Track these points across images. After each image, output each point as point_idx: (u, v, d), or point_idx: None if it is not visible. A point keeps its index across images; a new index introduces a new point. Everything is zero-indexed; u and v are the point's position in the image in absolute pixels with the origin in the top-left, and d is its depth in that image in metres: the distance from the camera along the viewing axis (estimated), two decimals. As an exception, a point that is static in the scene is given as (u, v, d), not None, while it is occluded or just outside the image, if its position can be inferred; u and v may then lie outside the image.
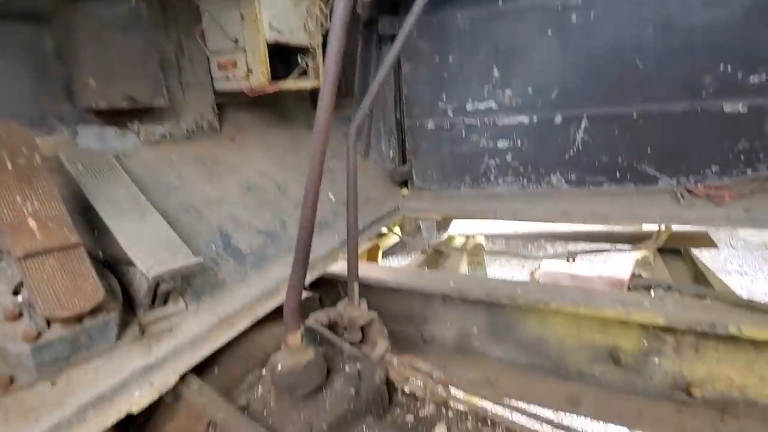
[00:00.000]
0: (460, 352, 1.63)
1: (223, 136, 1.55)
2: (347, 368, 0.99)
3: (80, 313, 0.70)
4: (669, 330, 1.25)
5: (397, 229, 2.38)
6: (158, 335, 0.86)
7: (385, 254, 2.37)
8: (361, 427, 0.91)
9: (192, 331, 0.88)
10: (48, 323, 0.70)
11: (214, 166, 1.37)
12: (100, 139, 1.20)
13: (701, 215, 1.32)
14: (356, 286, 1.13)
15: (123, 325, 0.84)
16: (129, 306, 0.88)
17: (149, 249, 0.88)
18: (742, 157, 1.50)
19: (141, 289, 0.85)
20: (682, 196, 1.41)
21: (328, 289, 1.63)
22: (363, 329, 1.17)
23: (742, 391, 1.22)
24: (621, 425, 1.30)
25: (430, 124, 1.91)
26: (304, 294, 1.67)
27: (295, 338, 0.87)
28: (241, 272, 1.11)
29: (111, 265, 0.91)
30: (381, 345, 1.15)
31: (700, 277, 1.64)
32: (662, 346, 1.28)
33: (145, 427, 1.00)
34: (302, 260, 0.83)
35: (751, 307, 1.11)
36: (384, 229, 2.36)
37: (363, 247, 2.16)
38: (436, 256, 2.13)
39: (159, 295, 0.87)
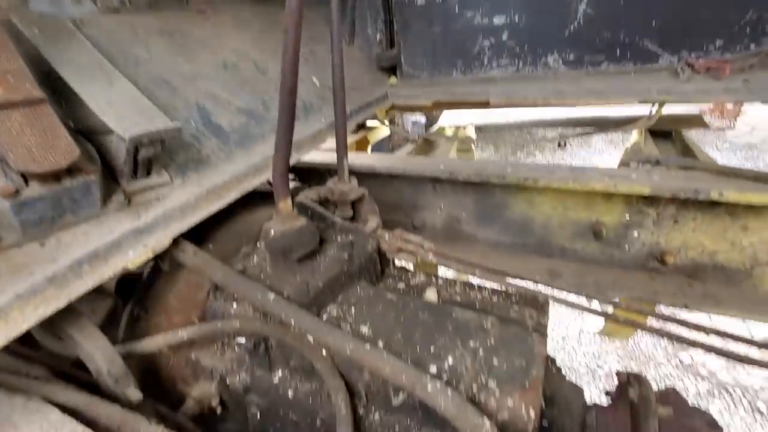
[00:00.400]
0: (450, 237, 1.69)
1: (191, 8, 1.39)
2: (339, 239, 1.01)
3: (56, 170, 0.67)
4: (652, 202, 1.28)
5: (386, 124, 2.31)
6: (146, 204, 0.85)
7: (374, 149, 2.34)
8: (355, 288, 0.95)
9: (180, 200, 0.87)
10: (26, 181, 0.67)
11: (185, 40, 1.25)
12: (54, 3, 1.07)
13: (699, 88, 1.29)
14: (346, 161, 1.10)
15: (108, 194, 0.82)
16: (111, 177, 0.85)
17: (123, 113, 0.82)
18: (748, 29, 1.42)
19: (119, 155, 0.81)
20: (681, 70, 1.35)
21: (318, 183, 1.62)
22: (354, 206, 1.18)
23: (711, 257, 1.30)
24: (597, 294, 1.41)
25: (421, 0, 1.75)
26: (292, 184, 1.65)
27: (287, 204, 0.87)
28: (226, 150, 1.07)
29: (84, 134, 0.86)
30: (372, 220, 1.16)
31: (688, 154, 1.65)
32: (643, 220, 1.33)
33: (146, 299, 1.04)
34: (287, 122, 0.80)
35: (735, 174, 1.14)
36: (373, 123, 2.30)
37: (351, 138, 2.11)
38: (426, 146, 2.10)
39: (140, 163, 0.84)
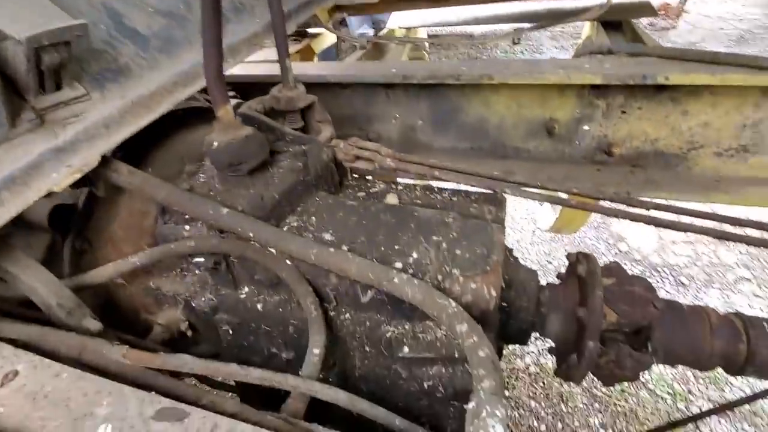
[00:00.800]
0: (406, 148, 1.66)
1: None
2: (292, 149, 0.96)
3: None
4: (602, 93, 1.30)
5: (331, 30, 2.12)
6: (62, 122, 0.74)
7: (321, 59, 2.17)
8: (313, 199, 0.92)
9: (102, 115, 0.77)
10: None
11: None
12: None
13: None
14: (289, 64, 1.01)
15: (14, 113, 0.70)
16: (15, 93, 0.73)
17: (15, 14, 0.68)
18: None
19: (19, 63, 0.68)
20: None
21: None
22: (304, 116, 1.10)
23: (653, 144, 1.36)
24: (548, 187, 1.47)
25: None
26: (234, 101, 1.51)
27: (227, 111, 0.79)
28: (147, 57, 0.94)
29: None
30: (326, 129, 1.11)
31: (638, 42, 1.66)
32: (594, 113, 1.35)
33: (87, 230, 0.97)
34: (212, 17, 0.69)
35: (681, 56, 1.15)
36: (318, 30, 2.10)
37: (293, 48, 1.93)
38: (376, 52, 1.97)
39: (46, 73, 0.72)
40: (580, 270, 0.92)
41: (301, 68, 1.52)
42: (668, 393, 2.32)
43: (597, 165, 1.45)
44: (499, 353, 1.06)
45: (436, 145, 1.62)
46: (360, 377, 0.81)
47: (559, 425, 2.18)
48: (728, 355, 0.86)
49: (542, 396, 2.31)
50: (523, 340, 0.98)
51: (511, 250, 1.04)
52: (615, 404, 2.27)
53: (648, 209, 0.94)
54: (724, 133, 1.28)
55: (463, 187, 1.11)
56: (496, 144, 1.54)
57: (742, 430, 2.14)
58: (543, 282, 1.00)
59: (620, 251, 3.35)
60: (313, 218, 0.86)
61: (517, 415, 2.24)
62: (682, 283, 3.01)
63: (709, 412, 0.93)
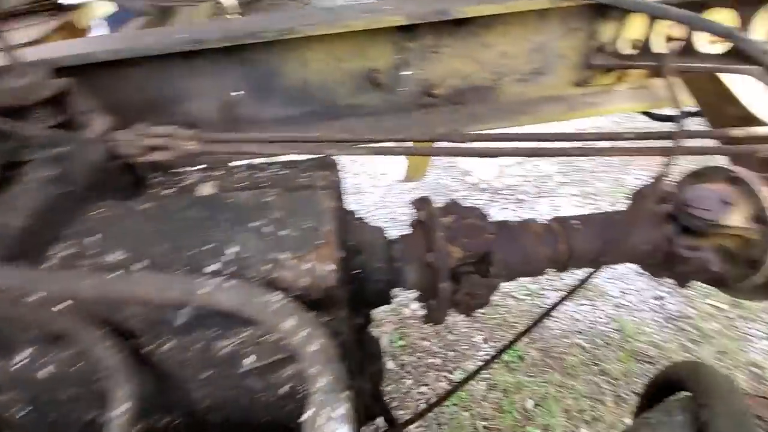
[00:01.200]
0: (231, 125, 1.47)
1: None
2: (40, 155, 0.72)
3: None
4: (412, 37, 1.29)
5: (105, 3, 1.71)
6: None
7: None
8: (89, 214, 0.71)
9: None
10: None
11: None
12: None
13: None
14: (4, 39, 0.73)
15: None
16: None
17: None
18: None
19: None
20: None
21: None
22: (62, 108, 0.84)
23: (467, 80, 1.43)
24: (379, 138, 1.45)
25: None
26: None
27: None
28: None
29: None
30: (98, 120, 0.87)
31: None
32: (409, 57, 1.34)
33: None
34: None
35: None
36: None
37: (42, 28, 1.49)
38: (163, 18, 1.65)
39: None
40: (421, 216, 0.92)
41: (60, 48, 1.18)
42: (527, 294, 2.70)
43: (424, 109, 1.48)
44: (368, 322, 1.02)
45: (262, 117, 1.46)
46: (209, 408, 0.68)
47: (450, 353, 2.37)
48: (554, 257, 0.96)
49: (432, 334, 2.47)
50: (386, 300, 0.95)
51: (352, 213, 0.98)
52: (490, 318, 2.55)
53: (471, 141, 0.96)
54: (519, 60, 1.40)
55: (295, 157, 1.01)
56: (327, 105, 1.45)
57: (579, 304, 2.63)
58: (395, 235, 0.98)
59: (470, 184, 3.69)
60: (94, 238, 0.66)
61: (414, 359, 2.36)
62: (520, 199, 3.47)
63: (559, 302, 1.04)
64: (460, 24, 1.29)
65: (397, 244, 0.94)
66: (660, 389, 0.82)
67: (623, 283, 2.73)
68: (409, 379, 2.25)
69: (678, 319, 2.54)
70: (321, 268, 0.64)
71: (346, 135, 1.03)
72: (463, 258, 0.88)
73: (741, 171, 0.96)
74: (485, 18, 1.30)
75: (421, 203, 0.95)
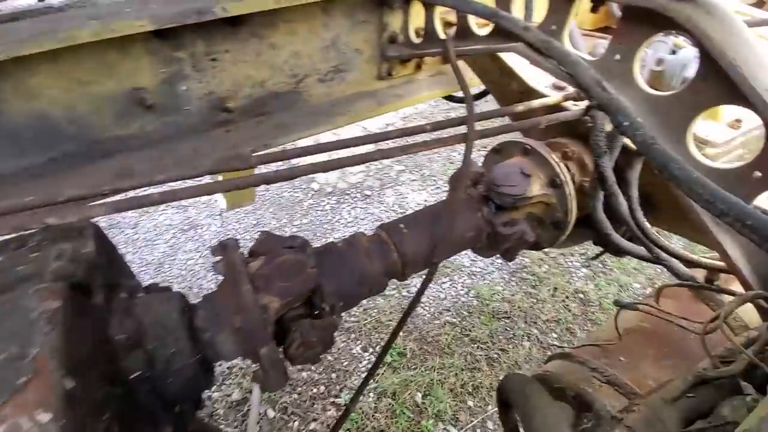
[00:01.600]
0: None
1: None
2: None
3: None
4: (178, 44, 1.06)
5: None
6: None
7: None
8: None
9: None
10: None
11: None
12: None
13: None
14: None
15: None
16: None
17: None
18: None
19: None
20: None
21: None
22: None
23: (264, 87, 1.26)
24: (188, 172, 1.19)
25: None
26: None
27: None
28: None
29: None
30: None
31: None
32: (182, 68, 1.10)
33: None
34: None
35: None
36: None
37: None
38: None
39: None
40: (221, 268, 0.72)
41: None
42: (393, 288, 2.70)
43: (223, 127, 1.26)
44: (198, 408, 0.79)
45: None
46: None
47: (333, 376, 2.22)
48: (389, 269, 0.87)
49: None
50: (206, 385, 0.73)
51: (132, 286, 0.73)
52: (364, 324, 2.48)
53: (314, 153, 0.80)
54: (315, 59, 1.29)
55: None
56: (86, 141, 1.11)
57: (441, 283, 2.75)
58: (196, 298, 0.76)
59: (314, 190, 3.56)
60: None
61: (296, 397, 2.14)
62: (366, 195, 3.49)
63: (422, 289, 0.92)
64: (236, 24, 1.11)
65: (201, 310, 0.72)
66: (502, 403, 0.99)
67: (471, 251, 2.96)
68: (296, 420, 2.03)
69: (518, 270, 2.87)
70: (26, 424, 0.39)
71: (138, 180, 0.76)
72: (286, 305, 0.72)
73: (531, 142, 1.02)
74: (265, 16, 1.14)
75: (221, 250, 0.75)
